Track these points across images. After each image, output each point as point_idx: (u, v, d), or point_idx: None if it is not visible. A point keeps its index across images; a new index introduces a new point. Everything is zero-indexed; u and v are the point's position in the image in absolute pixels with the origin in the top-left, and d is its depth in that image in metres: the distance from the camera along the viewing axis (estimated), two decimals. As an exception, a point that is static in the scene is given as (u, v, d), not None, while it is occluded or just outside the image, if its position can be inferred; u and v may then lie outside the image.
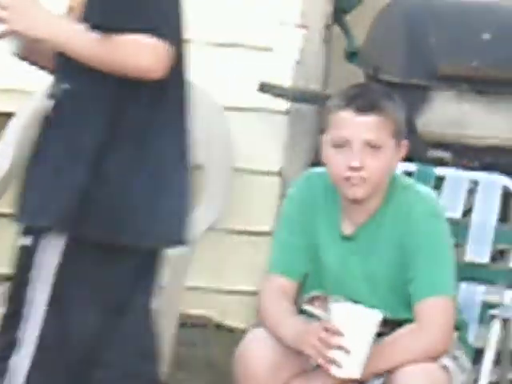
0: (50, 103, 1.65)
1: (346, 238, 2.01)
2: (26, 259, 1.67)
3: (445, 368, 1.93)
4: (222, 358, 2.67)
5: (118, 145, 1.56)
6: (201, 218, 2.28)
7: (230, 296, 2.76)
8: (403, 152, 1.97)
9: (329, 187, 2.04)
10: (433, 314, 1.96)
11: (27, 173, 1.68)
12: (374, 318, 1.85)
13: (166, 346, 2.21)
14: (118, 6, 1.51)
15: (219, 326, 2.84)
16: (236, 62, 2.76)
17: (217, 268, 2.74)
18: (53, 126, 1.63)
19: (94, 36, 1.53)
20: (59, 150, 1.57)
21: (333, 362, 1.81)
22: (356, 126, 1.89)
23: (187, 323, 2.55)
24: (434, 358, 1.91)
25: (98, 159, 1.55)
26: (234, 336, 2.56)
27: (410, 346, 1.93)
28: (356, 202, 1.95)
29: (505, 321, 2.14)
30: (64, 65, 1.59)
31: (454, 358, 2.01)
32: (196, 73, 2.35)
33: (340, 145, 1.90)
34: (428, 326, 1.94)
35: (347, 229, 2.00)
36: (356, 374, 1.85)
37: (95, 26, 1.51)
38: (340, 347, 1.81)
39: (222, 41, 2.72)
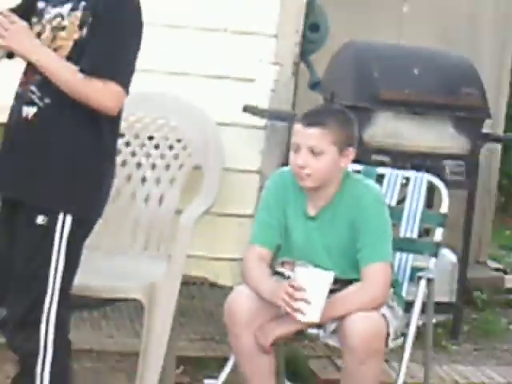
0: (31, 109, 1.92)
1: (311, 218, 2.36)
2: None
3: (383, 316, 2.26)
4: (215, 308, 3.17)
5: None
6: (200, 204, 2.78)
7: (221, 262, 3.15)
8: (351, 156, 2.32)
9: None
10: (375, 275, 2.30)
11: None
12: (327, 277, 2.20)
13: (174, 298, 2.51)
14: (99, 57, 1.80)
15: (213, 285, 3.28)
16: (226, 90, 3.14)
17: (212, 241, 3.08)
18: (32, 129, 1.89)
19: (74, 68, 1.81)
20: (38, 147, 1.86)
21: (297, 310, 2.13)
22: (302, 136, 2.26)
23: (189, 282, 2.94)
24: (376, 309, 2.24)
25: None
26: (224, 292, 2.88)
27: (357, 298, 2.25)
28: (310, 190, 2.30)
29: (429, 280, 2.53)
30: (47, 82, 1.84)
31: (391, 308, 2.37)
32: (196, 97, 2.89)
33: (295, 149, 2.28)
34: (371, 284, 2.27)
35: (311, 211, 2.34)
36: (315, 319, 2.19)
37: (79, 67, 1.80)
38: (302, 299, 2.13)
39: (214, 73, 3.15)
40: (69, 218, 1.84)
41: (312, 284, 2.20)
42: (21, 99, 1.91)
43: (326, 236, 2.37)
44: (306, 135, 2.26)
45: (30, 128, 1.88)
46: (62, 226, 1.86)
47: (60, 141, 1.85)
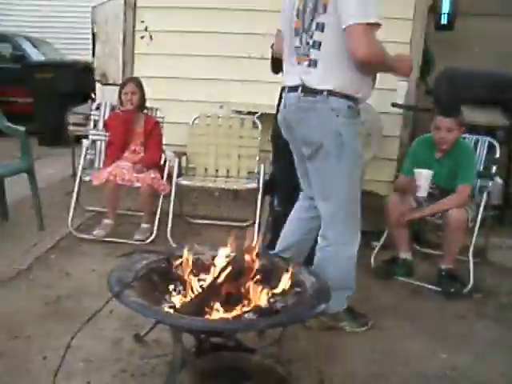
0: None
1: (437, 160, 3.75)
2: None
3: (466, 209, 3.60)
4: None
5: None
6: (371, 151, 4.89)
7: (381, 183, 5.16)
8: (462, 131, 3.66)
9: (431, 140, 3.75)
10: (461, 191, 3.66)
11: None
12: (429, 173, 3.64)
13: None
14: None
15: (375, 194, 4.97)
16: (383, 95, 4.95)
17: (376, 170, 4.86)
18: None
19: None
20: None
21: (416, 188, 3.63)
22: (441, 121, 3.67)
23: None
24: (462, 206, 3.58)
25: None
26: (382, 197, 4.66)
27: (451, 201, 3.62)
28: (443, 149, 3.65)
29: (489, 192, 3.91)
30: None
31: (469, 206, 3.69)
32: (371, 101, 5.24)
33: (437, 128, 3.68)
34: (458, 194, 3.62)
35: (438, 155, 3.76)
36: (423, 194, 3.68)
37: None
38: (418, 184, 3.62)
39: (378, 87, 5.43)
40: None
41: (422, 176, 3.68)
42: None
43: (445, 167, 3.75)
44: (444, 121, 3.69)
45: None
46: None
47: None
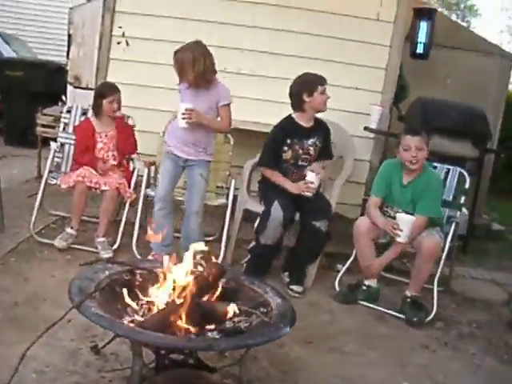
0: None
1: (404, 186, 3.76)
2: None
3: (440, 237, 3.72)
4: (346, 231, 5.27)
5: None
6: (343, 176, 4.68)
7: (348, 205, 5.08)
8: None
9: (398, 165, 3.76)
10: (416, 222, 3.64)
11: None
12: (412, 219, 3.56)
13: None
14: None
15: (343, 217, 5.04)
16: (355, 119, 5.24)
17: (344, 194, 4.63)
18: None
19: None
20: None
21: (396, 234, 3.53)
22: (411, 140, 3.65)
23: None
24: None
25: None
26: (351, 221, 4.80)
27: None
28: (413, 170, 3.63)
29: (456, 223, 4.00)
30: None
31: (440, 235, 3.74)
32: (345, 124, 5.06)
33: (406, 149, 3.65)
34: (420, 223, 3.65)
35: (405, 181, 3.76)
36: (405, 240, 3.57)
37: None
38: (399, 229, 3.53)
39: (351, 110, 5.33)
40: None
41: (404, 222, 3.56)
42: None
43: (409, 193, 3.76)
44: (414, 140, 3.69)
45: None
46: None
47: None
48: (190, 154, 3.97)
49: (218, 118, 4.00)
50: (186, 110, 3.75)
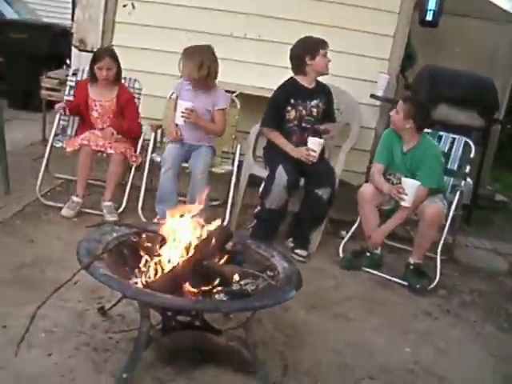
0: None
1: (404, 153, 3.76)
2: None
3: (444, 205, 3.75)
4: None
5: None
6: (349, 143, 4.63)
7: (353, 173, 5.11)
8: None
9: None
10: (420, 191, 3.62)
11: None
12: (416, 184, 3.55)
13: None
14: None
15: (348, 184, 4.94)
16: (361, 86, 5.18)
17: (350, 161, 4.60)
18: None
19: None
20: None
21: (401, 198, 3.54)
22: (399, 106, 3.75)
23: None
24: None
25: None
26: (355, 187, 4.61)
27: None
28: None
29: (461, 191, 3.95)
30: None
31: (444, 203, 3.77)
32: (354, 91, 5.01)
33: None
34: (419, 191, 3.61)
35: (404, 149, 3.76)
36: (409, 204, 3.57)
37: None
38: (404, 193, 3.54)
39: (359, 77, 5.32)
40: None
41: (409, 186, 3.58)
42: None
43: (408, 162, 3.78)
44: (398, 104, 3.74)
45: None
46: None
47: None
48: (192, 140, 4.17)
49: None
50: (186, 109, 3.93)
